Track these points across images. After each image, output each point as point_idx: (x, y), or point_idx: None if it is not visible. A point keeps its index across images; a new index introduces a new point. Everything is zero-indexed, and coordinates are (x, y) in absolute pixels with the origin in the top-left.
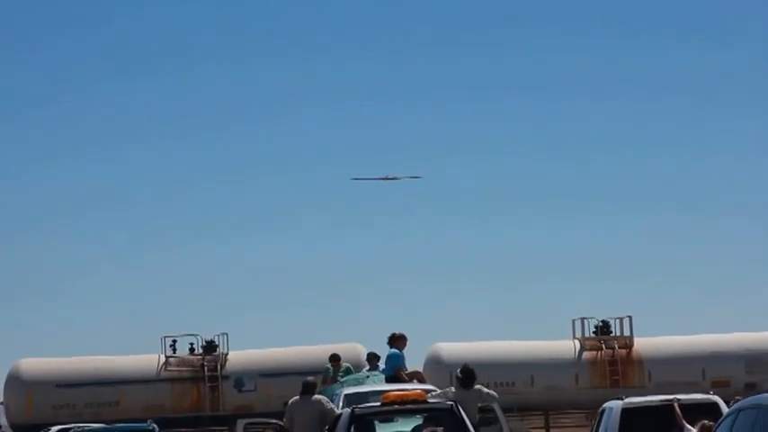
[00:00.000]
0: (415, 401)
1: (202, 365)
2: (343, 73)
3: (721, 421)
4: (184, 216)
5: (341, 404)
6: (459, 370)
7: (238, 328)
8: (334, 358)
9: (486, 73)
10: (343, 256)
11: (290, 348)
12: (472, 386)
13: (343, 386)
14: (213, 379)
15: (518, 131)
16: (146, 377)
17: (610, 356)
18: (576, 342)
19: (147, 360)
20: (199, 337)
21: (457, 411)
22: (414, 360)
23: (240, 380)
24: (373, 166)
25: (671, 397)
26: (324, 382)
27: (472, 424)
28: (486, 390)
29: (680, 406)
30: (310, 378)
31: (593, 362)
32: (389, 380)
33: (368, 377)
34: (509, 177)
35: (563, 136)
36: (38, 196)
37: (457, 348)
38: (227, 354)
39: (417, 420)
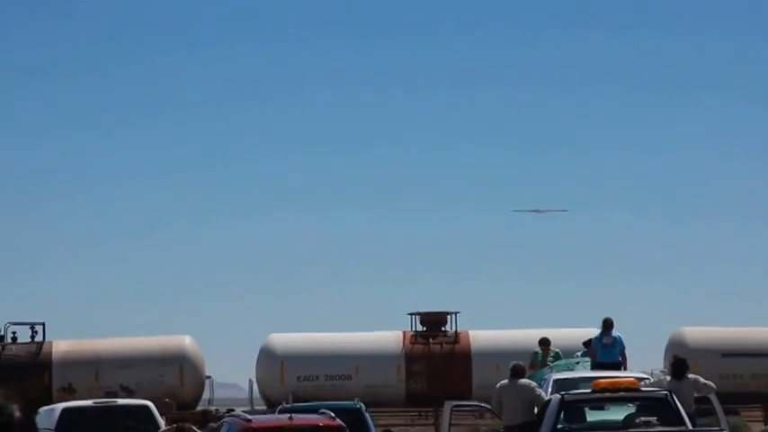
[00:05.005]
0: (627, 389)
1: None
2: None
3: None
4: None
5: (549, 389)
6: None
7: None
8: (544, 342)
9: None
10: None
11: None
12: (685, 376)
13: (552, 371)
14: None
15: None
16: None
17: None
18: None
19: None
20: None
21: (671, 401)
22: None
23: None
24: None
25: None
26: (532, 366)
27: (687, 414)
28: (702, 380)
29: None
30: (519, 362)
31: None
32: (607, 366)
33: (578, 363)
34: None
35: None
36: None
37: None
38: None
39: (629, 409)
